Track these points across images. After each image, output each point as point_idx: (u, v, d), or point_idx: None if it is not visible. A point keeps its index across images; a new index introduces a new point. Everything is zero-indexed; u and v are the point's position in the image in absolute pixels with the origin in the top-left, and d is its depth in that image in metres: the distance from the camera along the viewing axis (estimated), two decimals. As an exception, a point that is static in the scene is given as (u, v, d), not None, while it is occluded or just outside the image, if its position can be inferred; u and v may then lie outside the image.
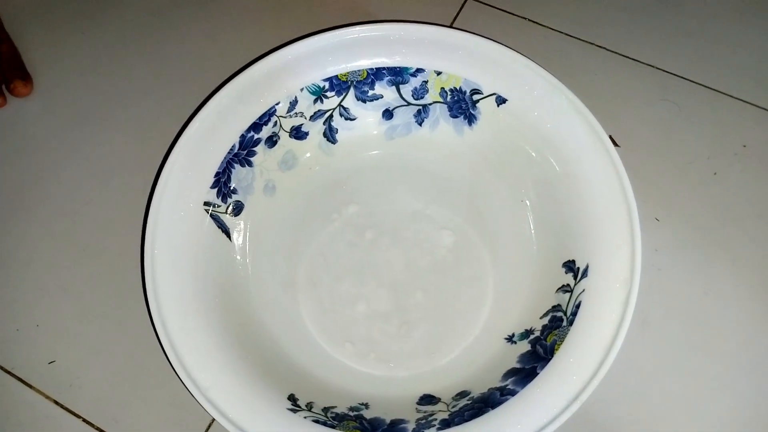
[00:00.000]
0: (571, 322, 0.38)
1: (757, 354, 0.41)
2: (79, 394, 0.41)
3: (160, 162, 0.47)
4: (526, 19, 0.53)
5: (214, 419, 0.37)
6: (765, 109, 0.49)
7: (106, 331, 0.43)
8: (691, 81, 0.50)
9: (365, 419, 0.37)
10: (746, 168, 0.47)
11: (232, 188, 0.42)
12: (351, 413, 0.37)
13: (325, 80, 0.44)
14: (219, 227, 0.42)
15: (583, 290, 0.38)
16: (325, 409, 0.37)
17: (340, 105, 0.45)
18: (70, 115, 0.50)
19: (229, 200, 0.42)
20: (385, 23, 0.43)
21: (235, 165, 0.43)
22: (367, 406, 0.38)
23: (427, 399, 0.39)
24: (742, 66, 0.50)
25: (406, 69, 0.44)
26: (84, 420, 0.40)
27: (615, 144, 0.41)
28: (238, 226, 0.43)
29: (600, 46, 0.51)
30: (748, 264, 0.44)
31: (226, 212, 0.42)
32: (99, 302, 0.44)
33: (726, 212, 0.46)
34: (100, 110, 0.50)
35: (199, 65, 0.52)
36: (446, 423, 0.36)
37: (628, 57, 0.51)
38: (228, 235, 0.42)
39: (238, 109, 0.42)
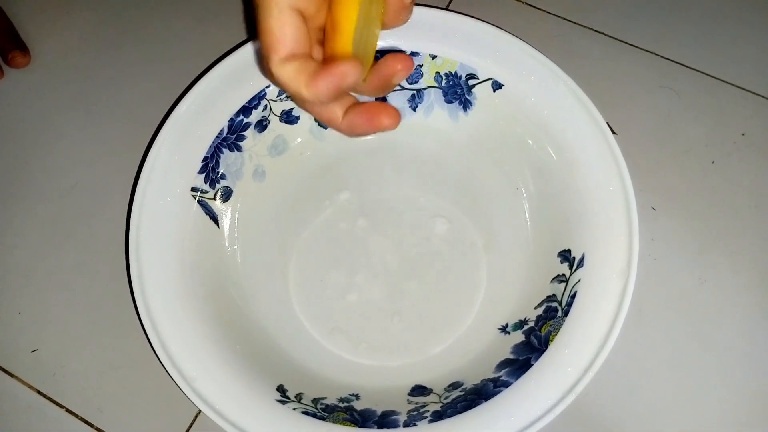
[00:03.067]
0: (566, 313, 0.37)
1: (754, 345, 0.41)
2: (62, 384, 0.40)
3: (146, 146, 0.46)
4: (523, 2, 0.52)
5: (200, 411, 0.36)
6: (765, 98, 0.48)
7: (91, 319, 0.42)
8: (690, 68, 0.49)
9: (356, 410, 0.37)
10: (745, 157, 0.46)
11: (220, 174, 0.41)
12: (341, 404, 0.37)
13: (317, 63, 0.43)
14: (207, 214, 0.41)
15: (579, 280, 0.38)
16: (315, 401, 0.37)
17: (332, 89, 0.44)
18: (54, 98, 0.49)
19: (218, 186, 0.41)
20: (378, 5, 0.42)
21: (224, 150, 0.41)
22: (357, 397, 0.38)
23: (419, 390, 0.38)
24: (742, 53, 0.50)
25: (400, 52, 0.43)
26: (67, 410, 0.40)
27: (612, 131, 0.40)
28: (227, 213, 0.42)
29: (599, 32, 0.50)
30: (745, 254, 0.43)
31: (214, 198, 0.41)
32: (83, 290, 0.43)
33: (724, 201, 0.45)
34: (84, 93, 0.49)
35: (187, 46, 0.50)
36: (438, 415, 0.36)
37: (627, 43, 0.50)
38: (216, 221, 0.41)
39: (227, 92, 0.41)
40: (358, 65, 0.26)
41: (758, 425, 0.39)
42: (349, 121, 0.29)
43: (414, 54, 0.43)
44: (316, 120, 0.44)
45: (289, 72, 0.27)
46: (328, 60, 0.28)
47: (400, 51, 0.43)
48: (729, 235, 0.44)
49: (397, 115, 0.28)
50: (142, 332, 0.36)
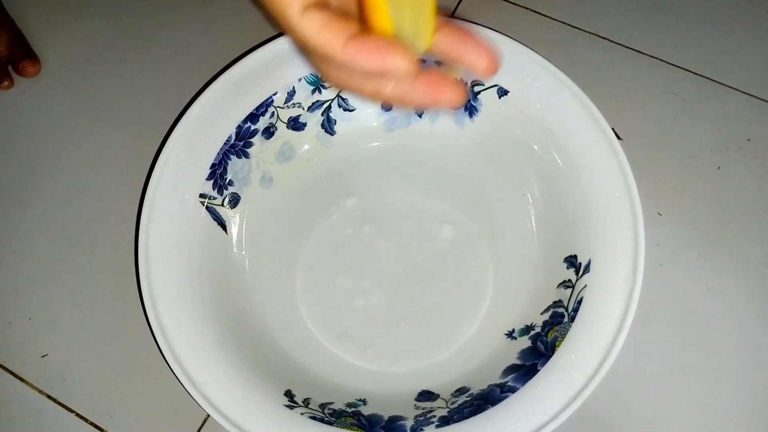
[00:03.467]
0: (572, 318, 0.37)
1: (759, 350, 0.41)
2: (72, 389, 0.40)
3: (155, 153, 0.46)
4: (528, 9, 0.52)
5: (209, 415, 0.36)
6: (770, 103, 0.48)
7: (100, 324, 0.42)
8: (695, 74, 0.49)
9: (363, 415, 0.37)
10: (750, 162, 0.46)
11: (228, 180, 0.42)
12: (348, 409, 0.37)
13: (324, 70, 0.43)
14: (215, 220, 0.41)
15: (585, 286, 0.38)
16: (322, 406, 0.37)
17: (338, 96, 0.44)
18: (63, 105, 0.49)
19: (225, 192, 0.42)
20: (385, 12, 0.42)
21: (232, 156, 0.42)
22: (364, 402, 0.38)
23: (426, 395, 0.39)
24: (747, 59, 0.50)
25: (406, 59, 0.43)
26: (77, 414, 0.40)
27: (618, 137, 0.40)
28: (235, 219, 0.42)
29: (603, 38, 0.51)
30: (750, 259, 0.43)
31: (222, 204, 0.41)
32: (93, 295, 0.43)
33: (729, 207, 0.45)
34: (93, 99, 0.49)
35: (195, 54, 0.51)
36: (445, 420, 0.36)
37: (632, 49, 0.50)
38: (224, 227, 0.41)
39: (235, 100, 0.41)
40: (412, 62, 0.22)
41: (763, 430, 0.39)
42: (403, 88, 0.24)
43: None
44: (322, 126, 0.45)
45: (314, 24, 0.23)
46: (366, 26, 0.23)
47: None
48: (735, 241, 0.44)
49: (463, 93, 0.22)
50: (151, 337, 0.37)
